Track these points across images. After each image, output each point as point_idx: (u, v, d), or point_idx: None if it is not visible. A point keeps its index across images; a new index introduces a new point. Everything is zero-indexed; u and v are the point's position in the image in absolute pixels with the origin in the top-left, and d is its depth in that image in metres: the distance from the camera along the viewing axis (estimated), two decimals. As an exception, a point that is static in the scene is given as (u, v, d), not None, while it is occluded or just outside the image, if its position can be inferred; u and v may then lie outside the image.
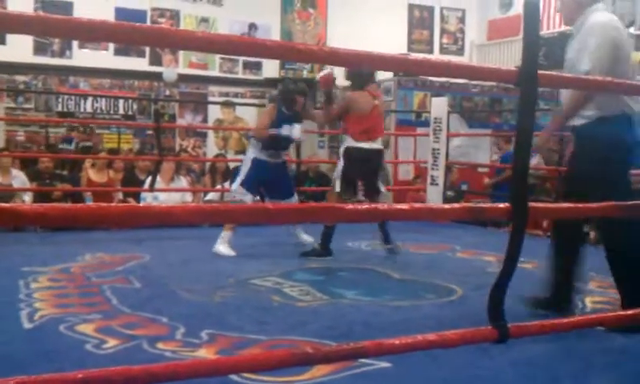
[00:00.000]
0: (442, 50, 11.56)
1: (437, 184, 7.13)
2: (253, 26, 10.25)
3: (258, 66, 10.38)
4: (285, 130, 4.95)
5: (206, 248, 5.03)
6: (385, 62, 2.01)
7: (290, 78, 8.73)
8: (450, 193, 7.54)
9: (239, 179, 5.15)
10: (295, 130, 4.96)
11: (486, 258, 5.05)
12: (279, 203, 5.17)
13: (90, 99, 9.48)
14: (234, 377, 2.32)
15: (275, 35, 10.24)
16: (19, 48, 8.72)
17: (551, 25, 10.15)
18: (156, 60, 9.84)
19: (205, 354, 2.71)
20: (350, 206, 1.90)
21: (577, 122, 3.15)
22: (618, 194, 2.74)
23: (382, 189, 5.13)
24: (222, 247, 4.98)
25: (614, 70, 2.94)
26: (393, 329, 3.04)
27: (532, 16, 1.90)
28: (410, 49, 11.16)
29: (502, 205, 2.03)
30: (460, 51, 11.70)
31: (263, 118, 5.30)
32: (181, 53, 9.88)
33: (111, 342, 2.80)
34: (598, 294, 3.90)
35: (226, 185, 7.22)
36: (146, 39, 1.93)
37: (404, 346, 1.87)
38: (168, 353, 2.70)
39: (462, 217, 2.28)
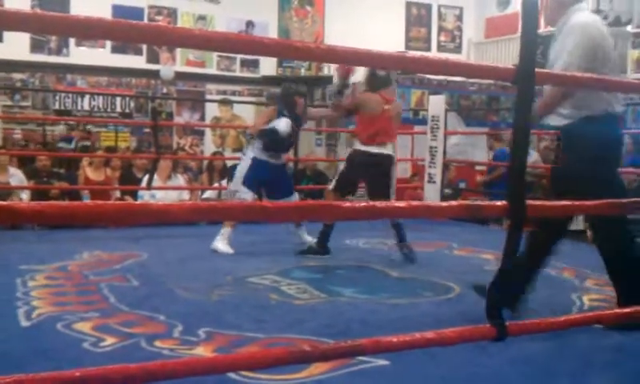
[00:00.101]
0: (440, 48, 11.57)
1: (434, 182, 7.14)
2: (250, 24, 10.25)
3: (255, 64, 10.37)
4: (271, 123, 4.96)
5: (204, 246, 5.03)
6: (382, 59, 2.01)
7: (289, 80, 8.73)
8: (447, 191, 7.55)
9: (239, 178, 5.15)
10: (281, 123, 4.94)
11: (483, 255, 5.05)
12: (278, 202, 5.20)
13: (87, 97, 9.47)
14: (231, 375, 2.31)
15: (272, 33, 10.23)
16: (16, 46, 8.72)
17: (549, 23, 10.15)
18: (153, 58, 9.83)
19: (202, 352, 2.71)
20: (348, 204, 1.90)
21: (560, 122, 3.14)
22: (611, 191, 2.75)
23: (392, 195, 5.01)
24: (221, 244, 4.98)
25: (594, 70, 2.92)
26: (390, 327, 3.04)
27: (530, 14, 1.90)
28: (407, 47, 11.15)
29: (499, 203, 2.03)
30: (457, 49, 11.70)
31: (260, 117, 5.30)
32: (178, 51, 9.87)
33: (109, 340, 2.79)
34: (594, 291, 3.91)
35: (224, 183, 7.22)
36: (143, 37, 1.93)
37: (402, 343, 1.87)
38: (166, 351, 2.70)
39: (459, 214, 2.29)
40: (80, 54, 9.35)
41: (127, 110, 9.77)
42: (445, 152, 7.21)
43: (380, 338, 1.86)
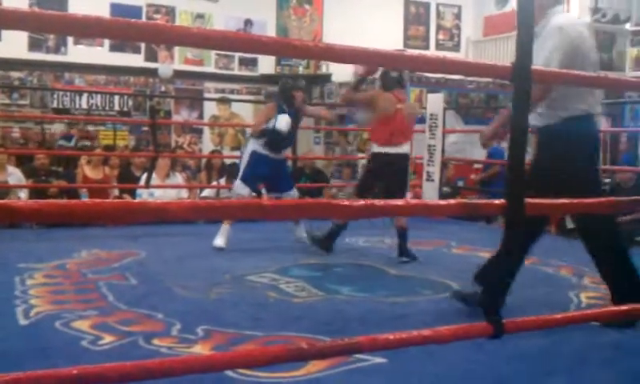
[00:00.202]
0: (438, 46, 11.57)
1: (433, 180, 7.15)
2: (248, 22, 10.25)
3: (253, 63, 10.37)
4: (271, 122, 4.96)
5: (202, 244, 5.03)
6: (381, 57, 2.01)
7: (287, 75, 8.72)
8: (445, 189, 7.55)
9: (240, 175, 5.16)
10: (282, 123, 4.94)
11: (481, 253, 5.05)
12: (279, 197, 5.20)
13: (85, 95, 9.47)
14: (229, 373, 2.32)
15: (271, 31, 10.24)
16: (14, 44, 8.71)
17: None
18: (151, 56, 9.83)
19: (200, 350, 2.71)
20: (346, 202, 1.90)
21: (539, 122, 3.14)
22: (592, 189, 2.76)
23: (407, 194, 5.01)
24: (219, 240, 4.99)
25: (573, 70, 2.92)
26: (389, 325, 3.04)
27: (526, 12, 1.90)
28: (405, 45, 11.15)
29: (497, 201, 2.04)
30: (456, 47, 11.71)
31: (260, 116, 5.31)
32: (176, 49, 9.87)
33: (107, 339, 2.80)
34: (591, 289, 3.92)
35: (222, 181, 7.22)
36: (141, 35, 1.93)
37: (398, 341, 1.87)
38: (164, 349, 2.71)
39: (457, 213, 2.29)
40: (78, 53, 9.35)
41: (125, 109, 9.77)
42: (443, 150, 7.22)
43: (377, 335, 1.86)
